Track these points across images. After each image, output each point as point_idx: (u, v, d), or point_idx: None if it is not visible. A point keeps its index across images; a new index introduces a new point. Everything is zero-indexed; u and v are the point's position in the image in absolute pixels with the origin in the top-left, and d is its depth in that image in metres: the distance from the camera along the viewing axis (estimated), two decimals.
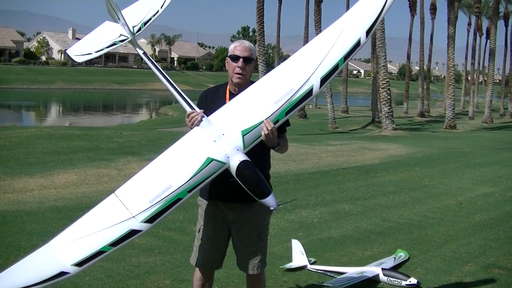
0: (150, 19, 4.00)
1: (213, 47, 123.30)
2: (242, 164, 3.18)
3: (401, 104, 51.72)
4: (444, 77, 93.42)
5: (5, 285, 2.93)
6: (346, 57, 3.45)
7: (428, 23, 47.83)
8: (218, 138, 3.24)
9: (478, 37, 56.76)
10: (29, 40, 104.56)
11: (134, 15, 4.00)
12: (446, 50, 33.00)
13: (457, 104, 41.64)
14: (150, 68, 3.83)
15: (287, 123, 3.53)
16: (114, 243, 3.03)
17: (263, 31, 28.71)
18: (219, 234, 3.65)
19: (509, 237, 7.00)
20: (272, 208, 3.22)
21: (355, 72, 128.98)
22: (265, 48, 28.13)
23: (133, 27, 3.92)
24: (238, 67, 3.46)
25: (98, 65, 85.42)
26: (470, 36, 56.59)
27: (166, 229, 6.62)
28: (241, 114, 3.30)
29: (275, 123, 3.28)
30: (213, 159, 3.19)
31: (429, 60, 50.63)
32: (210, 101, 3.56)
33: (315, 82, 3.37)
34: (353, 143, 17.23)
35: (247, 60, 3.48)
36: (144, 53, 3.85)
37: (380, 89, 26.30)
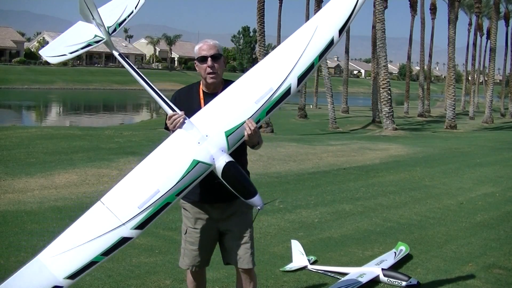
0: (125, 19, 3.90)
1: None
2: (227, 165, 3.19)
3: (401, 104, 51.72)
4: (444, 77, 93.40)
5: None
6: (321, 56, 3.48)
7: (428, 23, 47.81)
8: (202, 140, 3.23)
9: (478, 37, 56.79)
10: (29, 40, 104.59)
11: (107, 16, 3.89)
12: (446, 50, 33.00)
13: (457, 104, 41.68)
14: (126, 69, 3.71)
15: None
16: (106, 252, 2.99)
17: (264, 31, 28.69)
18: (208, 234, 3.64)
19: (509, 237, 6.99)
20: (258, 208, 3.25)
21: (355, 72, 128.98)
22: (266, 48, 28.12)
23: (108, 27, 3.81)
24: (209, 66, 3.45)
25: (99, 65, 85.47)
26: (470, 36, 56.56)
27: (166, 229, 6.62)
28: (223, 115, 3.30)
29: (256, 123, 3.31)
30: (199, 161, 3.18)
31: (430, 60, 50.62)
32: (184, 101, 3.55)
33: (292, 81, 3.40)
34: (354, 143, 17.23)
35: (215, 57, 3.46)
36: (120, 55, 3.74)
37: (381, 89, 26.30)
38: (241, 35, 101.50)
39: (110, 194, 3.16)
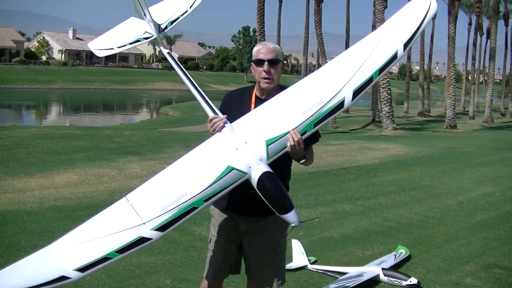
0: (178, 18, 3.87)
1: (214, 47, 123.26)
2: (264, 175, 2.98)
3: (401, 104, 51.73)
4: (444, 76, 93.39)
5: (2, 284, 2.80)
6: (382, 70, 3.24)
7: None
8: (241, 146, 3.05)
9: (478, 37, 56.78)
10: (29, 40, 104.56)
11: (161, 13, 3.88)
12: (446, 49, 33.01)
13: (457, 104, 41.68)
14: (174, 69, 3.67)
15: (317, 135, 3.34)
16: (121, 250, 2.86)
17: (264, 31, 28.71)
18: (231, 245, 3.47)
19: (509, 237, 7.00)
20: (293, 225, 3.01)
21: None
22: None
23: (160, 25, 3.79)
24: (264, 71, 3.25)
25: (99, 65, 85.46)
26: (470, 35, 56.59)
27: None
28: (266, 122, 3.11)
29: (302, 135, 3.09)
30: (233, 168, 3.00)
31: (430, 59, 50.67)
32: (234, 103, 3.39)
33: (347, 94, 3.18)
34: (354, 142, 17.23)
35: (273, 62, 3.26)
36: (169, 53, 3.71)
37: (381, 88, 26.30)
38: (241, 35, 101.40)
39: (137, 192, 3.04)
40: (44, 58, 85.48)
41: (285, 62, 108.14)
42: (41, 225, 6.62)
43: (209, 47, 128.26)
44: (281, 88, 3.35)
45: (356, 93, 3.19)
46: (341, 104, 3.18)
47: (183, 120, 32.40)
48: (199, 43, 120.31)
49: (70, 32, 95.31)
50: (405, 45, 3.26)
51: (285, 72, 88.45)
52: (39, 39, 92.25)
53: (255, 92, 3.39)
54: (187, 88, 3.58)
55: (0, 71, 68.13)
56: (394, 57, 3.26)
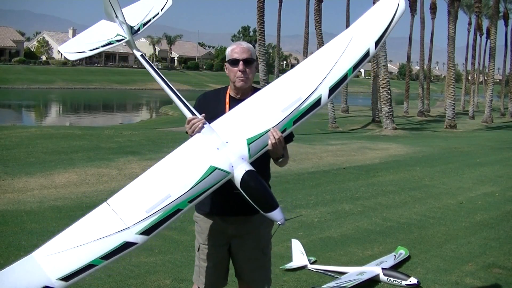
0: (150, 20, 3.86)
1: (213, 47, 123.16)
2: (247, 174, 2.97)
3: (401, 103, 51.75)
4: (444, 76, 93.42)
5: None
6: (355, 67, 3.30)
7: (428, 23, 47.76)
8: (222, 146, 3.03)
9: (478, 37, 56.80)
10: (29, 39, 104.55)
11: (132, 15, 3.85)
12: (446, 49, 33.02)
13: (457, 104, 41.68)
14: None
15: (291, 135, 3.36)
16: (106, 256, 2.81)
17: (264, 30, 28.73)
18: (221, 250, 3.43)
19: (509, 237, 7.00)
20: (279, 223, 2.99)
21: None
22: (265, 48, 28.13)
23: (132, 27, 3.75)
24: (239, 70, 3.27)
25: (99, 65, 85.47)
26: (470, 35, 56.63)
27: (166, 228, 6.61)
28: (246, 121, 3.12)
29: (282, 132, 3.12)
30: (216, 168, 2.98)
31: (429, 59, 50.68)
32: (209, 104, 3.40)
33: (323, 92, 3.22)
34: (354, 142, 17.24)
35: (248, 61, 3.29)
36: (142, 55, 3.71)
37: (381, 88, 26.33)
38: (241, 35, 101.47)
39: (118, 196, 2.97)
40: (43, 58, 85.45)
41: (284, 61, 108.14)
42: (41, 225, 6.62)
43: (209, 47, 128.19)
44: (255, 89, 3.37)
45: (331, 90, 3.25)
46: (318, 102, 3.23)
47: (183, 120, 31.96)
48: (199, 43, 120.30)
49: (70, 32, 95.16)
50: (377, 43, 3.34)
51: (285, 72, 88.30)
52: (39, 39, 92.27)
53: (229, 92, 3.41)
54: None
55: (0, 71, 68.13)
56: (367, 54, 3.32)
